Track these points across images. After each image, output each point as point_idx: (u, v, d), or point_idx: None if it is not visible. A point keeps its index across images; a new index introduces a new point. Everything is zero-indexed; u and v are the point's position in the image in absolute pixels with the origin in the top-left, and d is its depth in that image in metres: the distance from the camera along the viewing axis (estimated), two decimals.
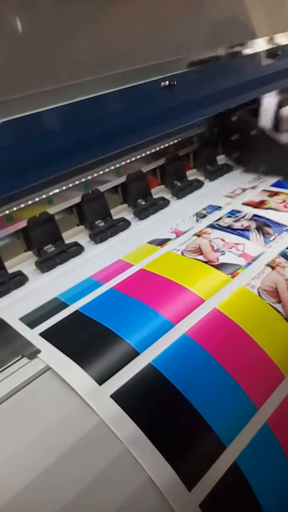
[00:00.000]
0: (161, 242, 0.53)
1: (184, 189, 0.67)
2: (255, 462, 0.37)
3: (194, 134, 0.73)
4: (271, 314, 0.44)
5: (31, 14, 0.51)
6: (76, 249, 0.55)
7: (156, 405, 0.35)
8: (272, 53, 0.79)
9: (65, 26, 0.54)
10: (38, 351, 0.39)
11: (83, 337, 0.40)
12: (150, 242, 0.55)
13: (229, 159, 0.78)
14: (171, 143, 0.69)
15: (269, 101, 0.78)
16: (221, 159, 0.78)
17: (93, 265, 0.52)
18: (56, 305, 0.46)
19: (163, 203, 0.64)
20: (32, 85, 0.51)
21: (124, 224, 0.59)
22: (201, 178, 0.71)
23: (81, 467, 0.32)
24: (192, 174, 0.74)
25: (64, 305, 0.45)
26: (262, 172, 0.71)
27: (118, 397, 0.34)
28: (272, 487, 0.38)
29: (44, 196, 0.54)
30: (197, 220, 0.57)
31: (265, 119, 0.76)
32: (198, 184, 0.69)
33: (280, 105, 0.78)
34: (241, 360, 0.41)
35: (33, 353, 0.39)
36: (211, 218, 0.57)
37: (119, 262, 0.52)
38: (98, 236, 0.57)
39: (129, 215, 0.62)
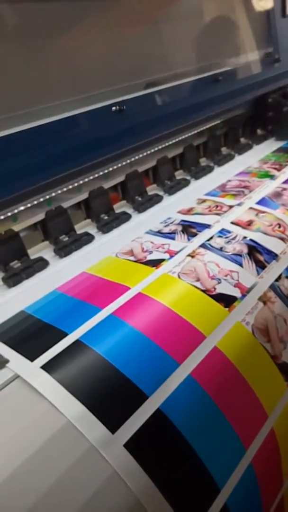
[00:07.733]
0: (156, 263, 0.52)
1: (144, 203, 0.70)
2: (242, 502, 0.40)
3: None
4: (262, 354, 0.46)
5: None
6: (41, 264, 0.56)
7: (165, 454, 0.36)
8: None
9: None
10: (7, 361, 0.39)
11: (89, 375, 0.38)
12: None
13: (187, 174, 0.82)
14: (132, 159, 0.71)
15: None
16: (179, 174, 0.83)
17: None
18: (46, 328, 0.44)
19: (125, 217, 0.66)
20: None
21: (87, 238, 0.61)
22: (161, 193, 0.75)
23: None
24: (152, 189, 0.77)
25: (60, 332, 0.43)
26: None
27: (131, 447, 0.34)
28: None
29: (9, 214, 0.55)
30: (188, 239, 0.57)
31: None
32: (158, 199, 0.72)
33: None
34: (234, 401, 0.42)
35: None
36: (202, 237, 0.57)
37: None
38: (63, 251, 0.58)
39: (93, 230, 0.64)
